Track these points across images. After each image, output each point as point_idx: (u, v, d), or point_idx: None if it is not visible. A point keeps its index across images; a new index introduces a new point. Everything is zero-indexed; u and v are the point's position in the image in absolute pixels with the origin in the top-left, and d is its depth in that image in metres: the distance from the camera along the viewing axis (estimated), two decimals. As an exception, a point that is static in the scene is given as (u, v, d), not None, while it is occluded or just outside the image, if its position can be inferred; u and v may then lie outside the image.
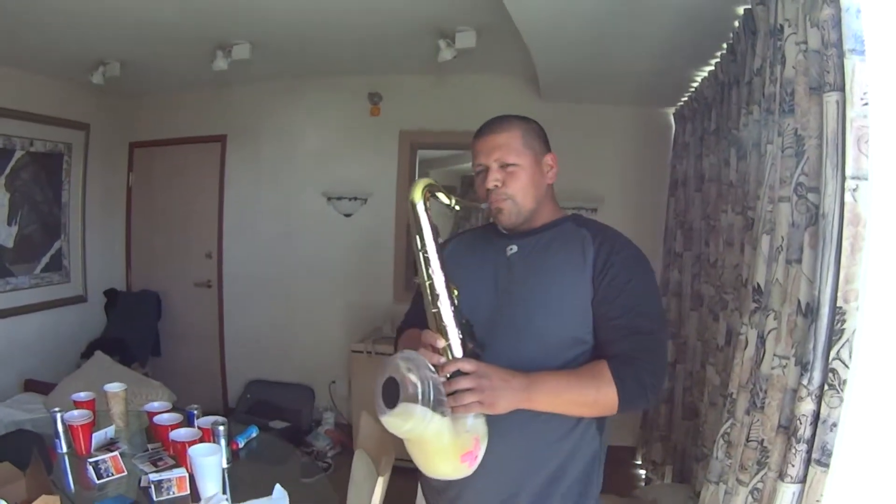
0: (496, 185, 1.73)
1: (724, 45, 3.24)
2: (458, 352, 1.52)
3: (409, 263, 5.35)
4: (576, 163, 4.94)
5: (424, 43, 4.13)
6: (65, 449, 2.46)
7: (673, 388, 3.98)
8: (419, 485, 1.95)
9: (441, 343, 1.52)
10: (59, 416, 2.46)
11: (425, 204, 1.57)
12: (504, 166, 1.73)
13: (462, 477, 1.55)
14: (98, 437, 2.47)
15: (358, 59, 4.80)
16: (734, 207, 2.85)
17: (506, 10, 2.99)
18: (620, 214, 4.85)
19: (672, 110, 4.76)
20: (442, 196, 1.62)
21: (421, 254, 1.56)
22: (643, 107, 4.92)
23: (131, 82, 5.17)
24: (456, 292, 1.57)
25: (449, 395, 1.44)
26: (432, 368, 1.47)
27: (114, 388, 2.76)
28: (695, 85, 4.06)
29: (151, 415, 2.61)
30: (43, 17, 3.70)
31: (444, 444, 1.47)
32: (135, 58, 4.63)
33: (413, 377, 1.40)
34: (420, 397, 1.38)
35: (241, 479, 2.38)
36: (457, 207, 1.66)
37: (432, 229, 1.56)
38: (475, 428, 1.51)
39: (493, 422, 1.55)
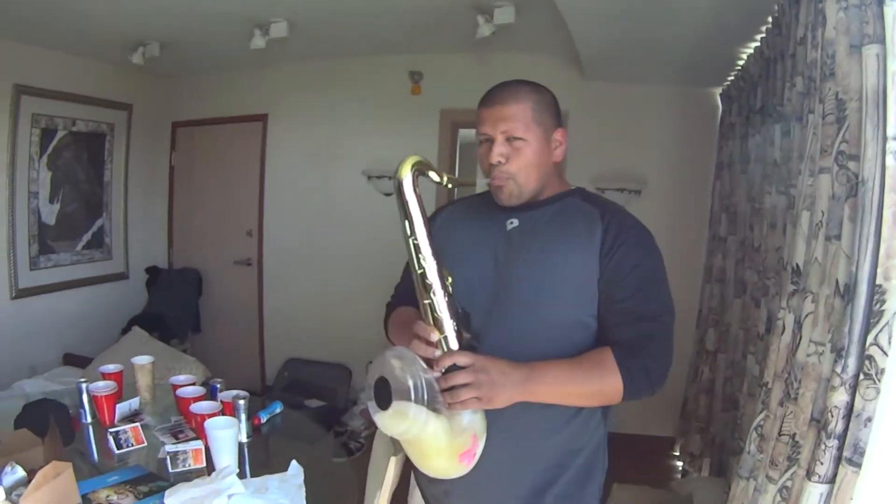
0: (500, 161, 1.60)
1: (770, 19, 3.07)
2: (453, 344, 1.45)
3: None
4: (620, 144, 4.83)
5: (464, 20, 4.04)
6: (89, 419, 2.47)
7: (714, 379, 3.85)
8: (412, 471, 1.90)
9: (435, 336, 1.44)
10: (84, 386, 2.47)
11: (414, 184, 1.46)
12: (511, 140, 1.60)
13: (461, 475, 1.52)
14: (122, 408, 2.47)
15: (397, 37, 4.74)
16: (778, 187, 2.70)
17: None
18: (665, 198, 4.75)
19: (719, 90, 4.57)
20: (432, 174, 1.50)
21: (410, 240, 1.46)
22: (689, 86, 4.74)
23: (171, 63, 5.19)
24: (450, 279, 1.49)
25: (444, 391, 1.38)
26: (425, 366, 1.39)
27: (141, 360, 2.76)
28: (741, 63, 3.89)
29: (175, 388, 2.60)
30: (83, 1, 3.73)
31: (442, 445, 1.43)
32: (174, 38, 4.66)
33: (405, 376, 1.35)
34: (413, 397, 1.33)
35: (261, 454, 2.38)
36: (449, 186, 1.57)
37: (422, 213, 1.46)
38: (472, 425, 1.46)
39: (487, 412, 1.50)
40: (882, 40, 1.39)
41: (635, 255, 1.56)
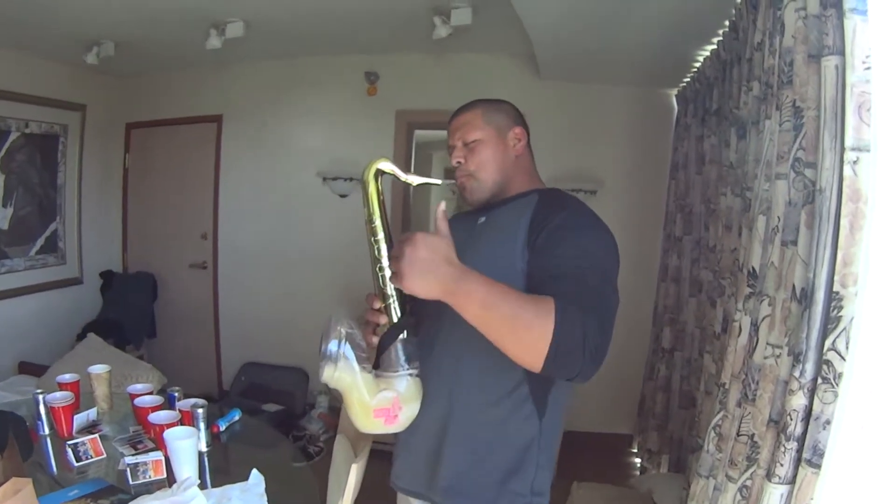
0: (459, 162, 1.77)
1: (727, 23, 3.12)
2: (398, 312, 1.55)
3: None
4: (576, 144, 4.86)
5: (421, 21, 4.04)
6: (47, 431, 2.43)
7: (670, 376, 3.90)
8: None
9: (378, 304, 1.57)
10: (41, 398, 2.43)
11: (377, 184, 1.55)
12: (466, 144, 1.76)
13: (383, 432, 1.57)
14: (80, 419, 2.44)
15: (354, 37, 4.72)
16: (733, 189, 2.74)
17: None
18: (621, 198, 4.79)
19: (674, 91, 4.63)
20: (398, 173, 1.55)
21: (373, 244, 1.53)
22: (644, 87, 4.79)
23: (126, 62, 5.11)
24: None
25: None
26: (353, 325, 1.50)
27: (97, 369, 2.72)
28: (697, 65, 3.94)
29: (133, 397, 2.57)
30: (36, -1, 3.66)
31: (357, 398, 1.49)
32: (129, 38, 4.57)
33: (333, 331, 1.47)
34: (336, 347, 1.46)
35: (221, 463, 2.38)
36: (413, 184, 1.59)
37: (379, 200, 1.54)
38: (399, 388, 1.53)
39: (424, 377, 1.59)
40: (841, 52, 1.41)
41: (566, 230, 1.53)
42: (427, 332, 1.68)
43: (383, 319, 1.53)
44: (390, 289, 1.52)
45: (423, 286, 1.33)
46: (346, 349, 1.46)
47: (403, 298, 1.53)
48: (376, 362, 1.55)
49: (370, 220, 1.53)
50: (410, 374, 1.54)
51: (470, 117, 1.78)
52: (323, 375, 1.46)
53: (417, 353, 1.57)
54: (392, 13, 4.08)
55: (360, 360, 1.47)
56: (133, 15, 4.07)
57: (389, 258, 1.49)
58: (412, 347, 1.55)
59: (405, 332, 1.54)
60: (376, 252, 1.51)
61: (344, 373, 1.45)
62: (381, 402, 1.50)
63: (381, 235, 1.51)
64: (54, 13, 3.95)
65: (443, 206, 1.43)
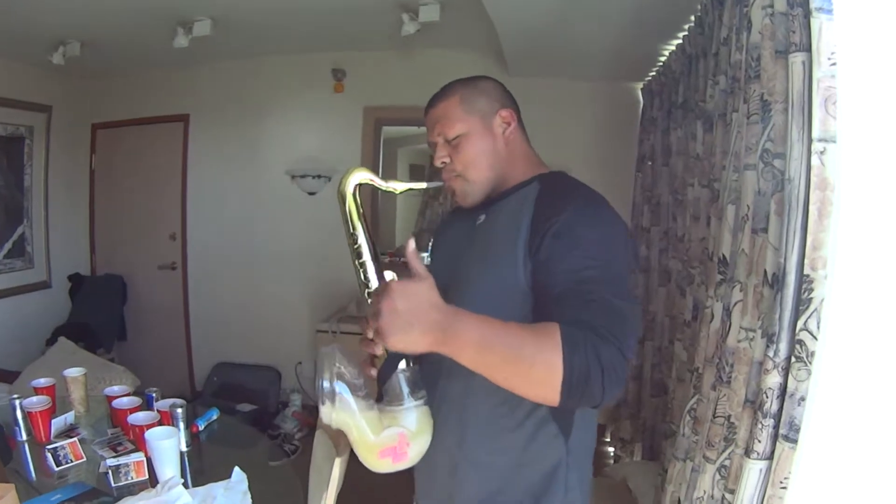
0: (444, 163, 1.56)
1: (692, 18, 3.19)
2: None
3: (374, 242, 5.25)
4: (542, 138, 4.81)
5: (388, 17, 4.07)
6: (24, 437, 2.40)
7: (641, 365, 3.96)
8: None
9: (371, 333, 1.31)
10: (17, 403, 2.41)
11: (355, 198, 1.44)
12: (449, 140, 1.54)
13: (395, 470, 1.40)
14: (57, 423, 2.41)
15: (321, 34, 4.72)
16: (700, 181, 2.81)
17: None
18: (587, 191, 4.80)
19: (640, 85, 4.70)
20: (378, 182, 1.47)
21: (358, 268, 1.42)
22: (610, 81, 4.86)
23: (92, 62, 5.05)
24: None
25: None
26: (343, 361, 1.34)
27: (73, 372, 2.70)
28: (662, 59, 4.01)
29: (111, 399, 2.56)
30: (0, -2, 3.62)
31: (359, 439, 1.35)
32: (95, 37, 4.53)
33: (325, 371, 1.33)
34: (328, 384, 1.32)
35: (201, 462, 2.37)
36: (398, 191, 1.53)
37: (360, 217, 1.44)
38: (406, 422, 1.37)
39: (431, 403, 1.42)
40: (808, 49, 1.49)
41: (572, 233, 1.34)
42: (432, 356, 1.34)
43: (380, 349, 1.34)
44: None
45: (409, 341, 1.18)
46: (341, 386, 1.33)
47: None
48: (379, 395, 1.40)
49: (352, 240, 1.42)
50: (417, 406, 1.38)
51: (448, 108, 1.55)
52: (322, 416, 1.33)
53: (422, 382, 1.40)
54: (359, 10, 4.09)
55: (357, 396, 1.34)
56: (99, 13, 4.04)
57: (378, 277, 1.39)
58: (415, 375, 1.39)
59: (404, 360, 1.38)
60: (363, 276, 1.41)
61: (342, 413, 1.33)
62: (386, 440, 1.35)
63: (366, 256, 1.41)
64: (18, 13, 3.91)
65: (412, 245, 1.26)
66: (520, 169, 1.56)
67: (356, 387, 1.34)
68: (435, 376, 1.48)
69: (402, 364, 1.37)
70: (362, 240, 1.41)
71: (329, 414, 1.33)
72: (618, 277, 1.32)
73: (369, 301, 1.36)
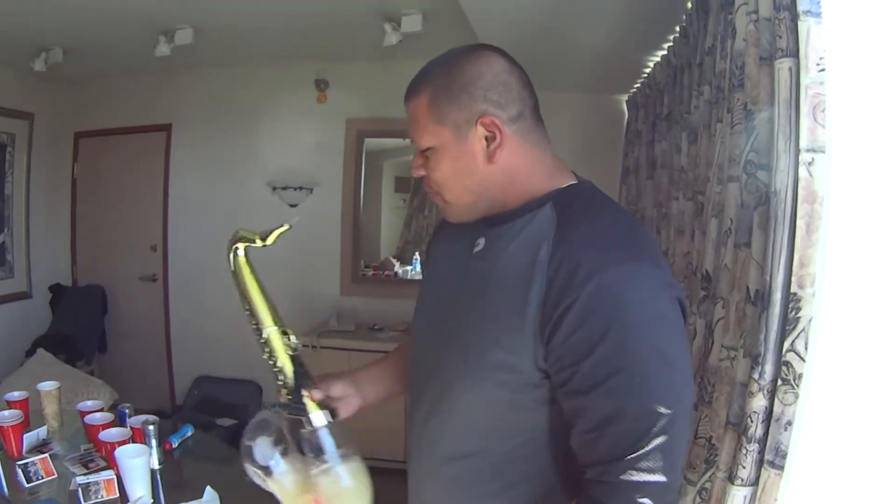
0: (420, 174, 1.26)
1: (677, 29, 3.14)
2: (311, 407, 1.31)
3: (357, 255, 5.31)
4: (527, 151, 4.84)
5: (371, 28, 4.03)
6: None
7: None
8: None
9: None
10: None
11: (248, 262, 1.40)
12: (423, 150, 1.24)
13: None
14: (30, 438, 2.37)
15: (304, 45, 4.69)
16: (685, 193, 2.75)
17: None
18: (572, 204, 4.76)
19: (625, 97, 4.67)
20: (256, 239, 1.38)
21: (262, 347, 1.37)
22: (595, 94, 4.83)
23: (75, 70, 5.03)
24: (293, 341, 1.40)
25: None
26: (254, 428, 1.31)
27: (46, 386, 2.64)
28: (647, 71, 3.96)
29: (84, 414, 2.51)
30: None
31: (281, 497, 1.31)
32: (77, 44, 4.50)
33: (248, 440, 1.30)
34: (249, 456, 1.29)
35: (175, 480, 2.31)
36: (268, 243, 1.38)
37: (258, 287, 1.41)
38: (322, 486, 1.26)
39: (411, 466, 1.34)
40: (795, 54, 1.43)
41: (595, 324, 1.02)
42: (411, 401, 1.33)
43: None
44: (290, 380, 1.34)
45: None
46: (248, 461, 1.29)
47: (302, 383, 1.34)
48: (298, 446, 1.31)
49: (250, 313, 1.38)
50: (335, 464, 1.26)
51: (416, 110, 1.22)
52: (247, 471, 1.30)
53: (342, 436, 1.28)
54: (342, 20, 4.06)
55: (268, 464, 1.28)
56: (81, 20, 4.01)
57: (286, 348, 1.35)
58: (339, 429, 1.31)
59: (327, 411, 1.32)
60: (266, 355, 1.36)
61: (269, 481, 1.29)
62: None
63: (268, 332, 1.37)
64: (1, 18, 3.87)
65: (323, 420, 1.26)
66: (522, 187, 1.24)
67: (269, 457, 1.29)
68: (411, 423, 1.37)
69: (324, 418, 1.31)
70: (262, 313, 1.40)
71: (254, 478, 1.29)
72: (663, 384, 1.02)
73: (279, 381, 1.35)
